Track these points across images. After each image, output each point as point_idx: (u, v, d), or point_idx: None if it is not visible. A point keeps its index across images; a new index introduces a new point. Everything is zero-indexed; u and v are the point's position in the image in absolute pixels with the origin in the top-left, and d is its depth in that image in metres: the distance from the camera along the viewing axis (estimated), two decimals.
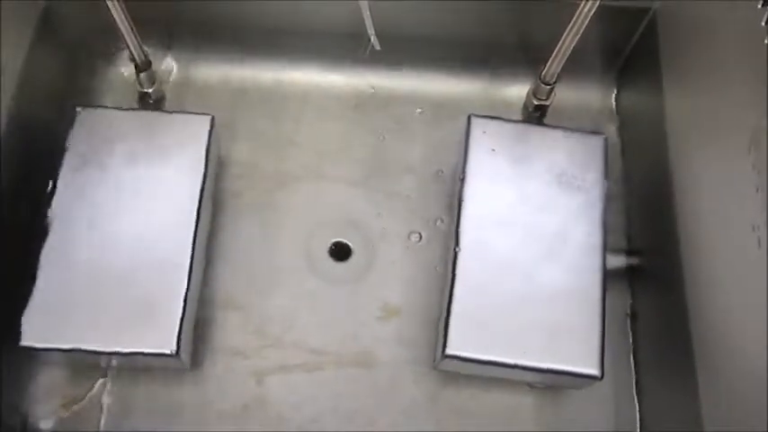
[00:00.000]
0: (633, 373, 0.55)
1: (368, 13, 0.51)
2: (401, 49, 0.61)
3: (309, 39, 0.62)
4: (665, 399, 0.51)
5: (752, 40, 0.41)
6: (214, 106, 0.57)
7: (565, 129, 0.55)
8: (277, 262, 0.57)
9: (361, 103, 0.63)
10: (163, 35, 0.63)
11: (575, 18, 0.48)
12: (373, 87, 0.63)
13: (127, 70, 0.62)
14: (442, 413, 0.53)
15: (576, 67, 0.58)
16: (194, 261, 0.51)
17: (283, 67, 0.63)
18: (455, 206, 0.53)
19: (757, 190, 0.40)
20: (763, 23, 0.40)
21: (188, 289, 0.50)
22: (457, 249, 0.51)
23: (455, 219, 0.52)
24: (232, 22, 0.62)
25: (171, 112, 0.55)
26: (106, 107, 0.55)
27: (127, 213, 0.51)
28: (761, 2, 0.41)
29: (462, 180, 0.53)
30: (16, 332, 0.48)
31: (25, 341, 0.48)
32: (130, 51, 0.55)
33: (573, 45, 0.51)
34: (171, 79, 0.63)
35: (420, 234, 0.58)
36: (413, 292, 0.56)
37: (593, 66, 0.63)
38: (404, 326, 0.56)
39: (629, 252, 0.56)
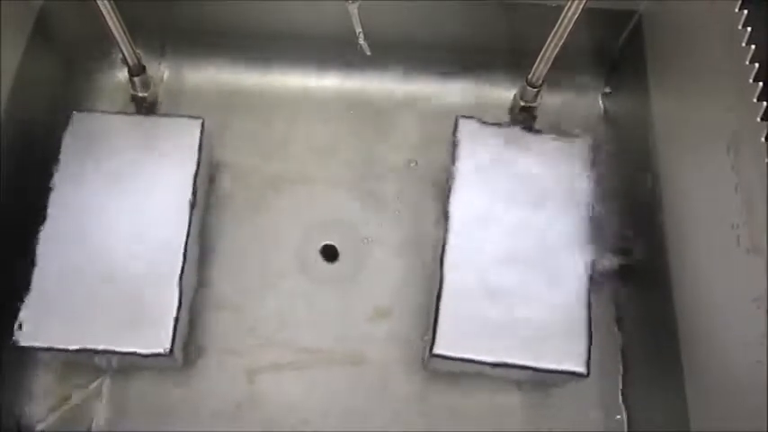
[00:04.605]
0: (620, 372, 0.55)
1: (357, 18, 0.52)
2: (391, 52, 0.62)
3: (301, 43, 0.63)
4: (653, 397, 0.52)
5: (731, 42, 0.42)
6: (207, 110, 0.58)
7: (551, 131, 0.55)
8: (269, 263, 0.58)
9: (352, 106, 0.63)
10: (156, 40, 0.63)
11: (560, 20, 0.49)
12: (364, 90, 0.64)
13: (121, 74, 0.63)
14: (431, 412, 0.54)
15: (563, 69, 0.59)
16: (187, 262, 0.51)
17: (275, 70, 0.64)
18: (444, 207, 0.54)
19: (736, 190, 0.41)
20: (739, 27, 0.41)
21: (181, 289, 0.50)
22: (445, 250, 0.52)
23: (443, 220, 0.53)
24: (225, 27, 0.62)
25: (162, 116, 0.56)
26: (99, 111, 0.56)
27: (120, 215, 0.52)
28: (738, 5, 0.41)
29: (450, 182, 0.54)
30: (12, 332, 0.48)
31: (21, 341, 0.48)
32: (124, 55, 0.56)
33: (559, 47, 0.51)
34: (164, 83, 0.63)
35: (410, 235, 0.59)
36: (403, 292, 0.57)
37: (580, 68, 0.63)
38: (394, 325, 0.56)
39: (616, 252, 0.57)
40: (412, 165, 0.61)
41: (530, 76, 0.57)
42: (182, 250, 0.51)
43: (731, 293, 0.42)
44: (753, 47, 0.40)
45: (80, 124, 0.55)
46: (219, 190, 0.60)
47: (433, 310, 0.50)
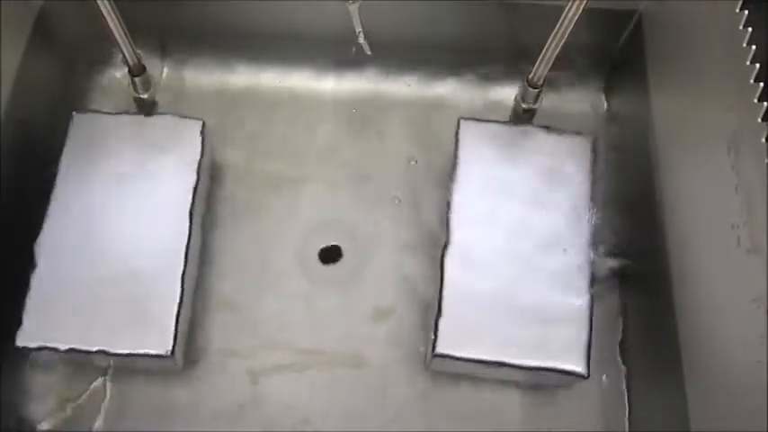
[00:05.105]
0: (622, 372, 0.55)
1: (357, 18, 0.52)
2: (391, 52, 0.62)
3: (301, 43, 0.63)
4: (653, 397, 0.52)
5: (732, 43, 0.42)
6: (207, 110, 0.58)
7: (553, 130, 0.56)
8: (270, 264, 0.58)
9: (352, 106, 0.63)
10: (156, 40, 0.63)
11: (560, 21, 0.49)
12: (364, 90, 0.64)
13: (121, 74, 0.63)
14: (432, 412, 0.54)
15: (564, 69, 0.59)
16: (188, 263, 0.52)
17: (276, 71, 0.64)
18: (445, 208, 0.54)
19: (736, 190, 0.41)
20: (740, 27, 0.41)
21: (182, 290, 0.50)
22: (446, 250, 0.52)
23: (445, 220, 0.53)
24: (225, 27, 0.63)
25: (163, 117, 0.56)
26: (100, 112, 0.56)
27: (121, 216, 0.52)
28: (739, 5, 0.41)
29: (452, 182, 0.54)
30: (12, 332, 0.49)
31: (22, 342, 0.48)
32: (124, 56, 0.56)
33: (559, 48, 0.51)
34: (164, 84, 0.63)
35: (410, 235, 0.59)
36: (404, 292, 0.57)
37: (581, 68, 0.63)
38: (395, 326, 0.56)
39: (618, 252, 0.57)
40: (412, 163, 0.61)
41: (530, 77, 0.57)
42: (183, 251, 0.51)
43: (731, 294, 0.42)
44: (753, 47, 0.40)
45: (80, 124, 0.55)
46: (220, 190, 0.60)
47: (435, 310, 0.50)
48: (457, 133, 0.55)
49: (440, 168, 0.60)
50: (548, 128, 0.56)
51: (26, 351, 0.49)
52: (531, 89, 0.58)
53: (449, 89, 0.64)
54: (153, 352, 0.49)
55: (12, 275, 0.50)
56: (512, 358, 0.49)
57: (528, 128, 0.56)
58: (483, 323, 0.50)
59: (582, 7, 0.47)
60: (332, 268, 0.58)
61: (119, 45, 0.54)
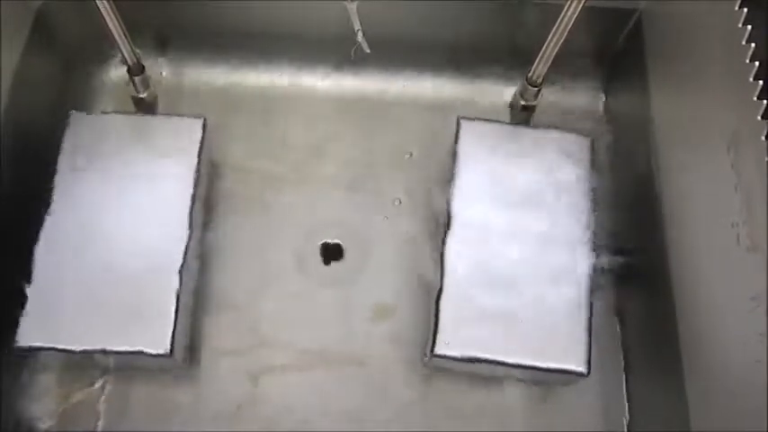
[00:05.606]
0: (622, 371, 0.55)
1: (356, 16, 0.52)
2: (389, 51, 0.62)
3: (300, 41, 0.63)
4: (653, 397, 0.52)
5: (731, 40, 0.42)
6: (207, 110, 0.58)
7: (552, 129, 0.56)
8: (270, 263, 0.58)
9: (352, 106, 0.63)
10: (155, 39, 0.63)
11: (559, 19, 0.49)
12: (363, 89, 0.64)
13: (121, 74, 0.63)
14: (432, 412, 0.54)
15: (563, 68, 0.59)
16: (187, 262, 0.51)
17: (275, 70, 0.64)
18: (445, 207, 0.53)
19: (736, 189, 0.41)
20: (740, 25, 0.41)
21: (181, 289, 0.50)
22: (446, 249, 0.52)
23: (444, 219, 0.53)
24: (224, 27, 0.62)
25: (163, 116, 0.56)
26: (99, 111, 0.56)
27: (121, 215, 0.52)
28: (738, 3, 0.41)
29: (451, 181, 0.54)
30: (12, 332, 0.48)
31: (21, 342, 0.48)
32: (123, 55, 0.56)
33: (558, 46, 0.51)
34: (164, 83, 0.63)
35: (410, 234, 0.59)
36: (404, 292, 0.57)
37: (580, 67, 0.63)
38: (395, 325, 0.56)
39: (617, 251, 0.57)
40: (413, 164, 0.61)
41: (530, 75, 0.57)
42: (182, 250, 0.51)
43: (731, 292, 0.42)
44: (753, 45, 0.40)
45: (79, 124, 0.55)
46: (219, 190, 0.60)
47: (434, 309, 0.50)
48: (456, 133, 0.55)
49: (440, 167, 0.60)
50: (547, 127, 0.56)
51: (26, 351, 0.49)
52: (530, 87, 0.58)
53: (448, 88, 0.64)
54: (151, 351, 0.49)
55: (11, 276, 0.50)
56: (512, 358, 0.49)
57: (527, 127, 0.56)
58: (482, 322, 0.50)
59: (581, 6, 0.47)
60: (332, 267, 0.58)
61: (118, 44, 0.54)
